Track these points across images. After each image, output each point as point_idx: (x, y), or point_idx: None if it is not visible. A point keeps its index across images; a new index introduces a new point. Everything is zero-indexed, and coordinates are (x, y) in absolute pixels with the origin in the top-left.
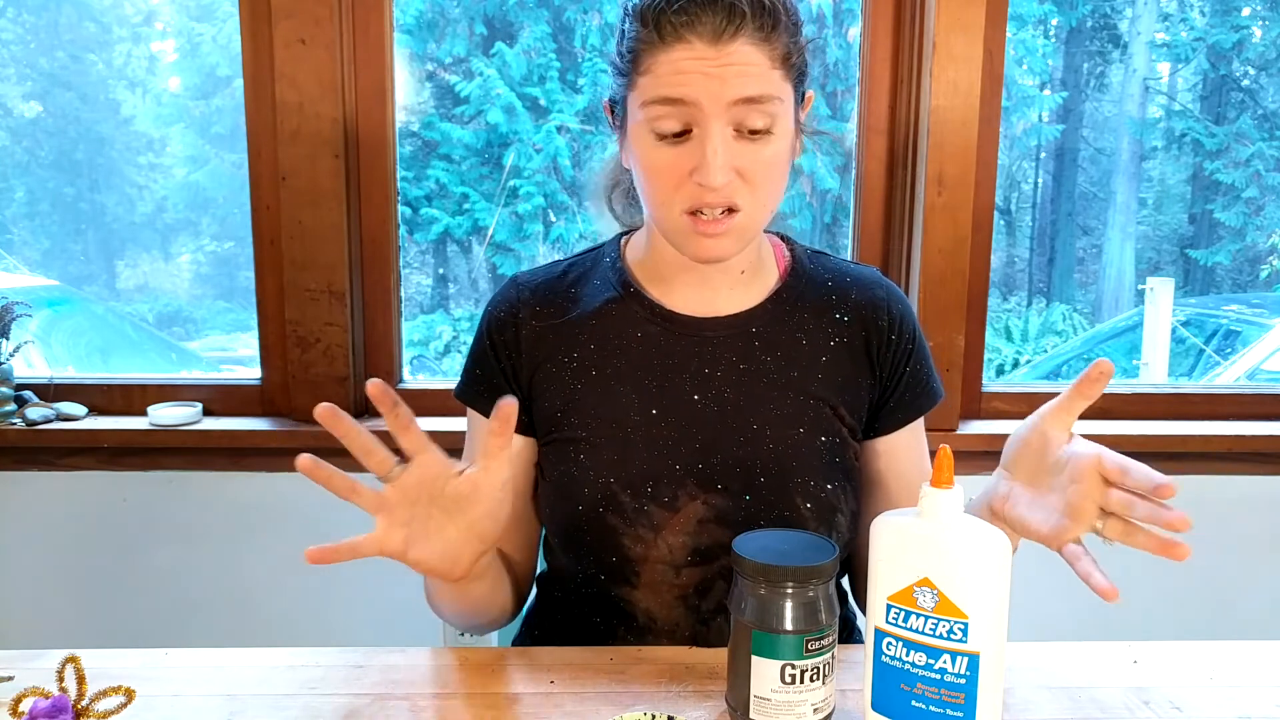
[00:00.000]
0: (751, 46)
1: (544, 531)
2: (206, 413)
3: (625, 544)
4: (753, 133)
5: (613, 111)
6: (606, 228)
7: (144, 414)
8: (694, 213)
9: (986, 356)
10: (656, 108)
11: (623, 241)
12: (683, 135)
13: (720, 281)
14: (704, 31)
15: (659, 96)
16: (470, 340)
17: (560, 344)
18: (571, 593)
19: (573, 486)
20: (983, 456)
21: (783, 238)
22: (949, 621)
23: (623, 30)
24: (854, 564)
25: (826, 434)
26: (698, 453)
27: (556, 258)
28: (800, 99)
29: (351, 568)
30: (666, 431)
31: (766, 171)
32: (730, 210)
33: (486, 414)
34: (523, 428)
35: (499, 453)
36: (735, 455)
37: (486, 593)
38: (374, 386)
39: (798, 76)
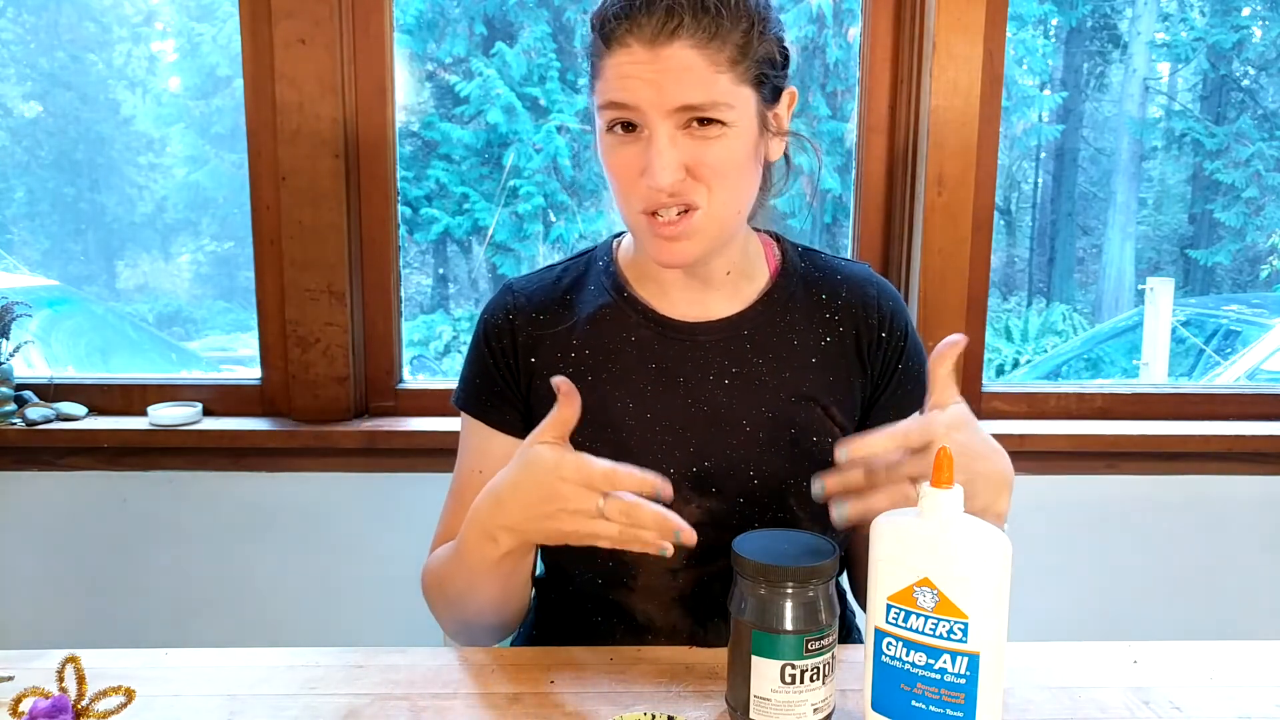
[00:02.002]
0: (692, 50)
1: None
2: (206, 413)
3: (621, 550)
4: (702, 123)
5: (591, 119)
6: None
7: (144, 414)
8: (652, 213)
9: (986, 356)
10: (607, 112)
11: (615, 244)
12: (636, 132)
13: (707, 283)
14: (642, 35)
15: (606, 101)
16: (467, 346)
17: (556, 350)
18: (571, 595)
19: None
20: None
21: (774, 236)
22: (949, 621)
23: (587, 37)
24: (851, 561)
25: (820, 435)
26: (692, 457)
27: (555, 259)
28: (772, 98)
29: (351, 568)
30: (661, 436)
31: (719, 168)
32: (687, 210)
33: (489, 422)
34: (523, 431)
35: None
36: (729, 459)
37: (524, 577)
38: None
39: (758, 76)
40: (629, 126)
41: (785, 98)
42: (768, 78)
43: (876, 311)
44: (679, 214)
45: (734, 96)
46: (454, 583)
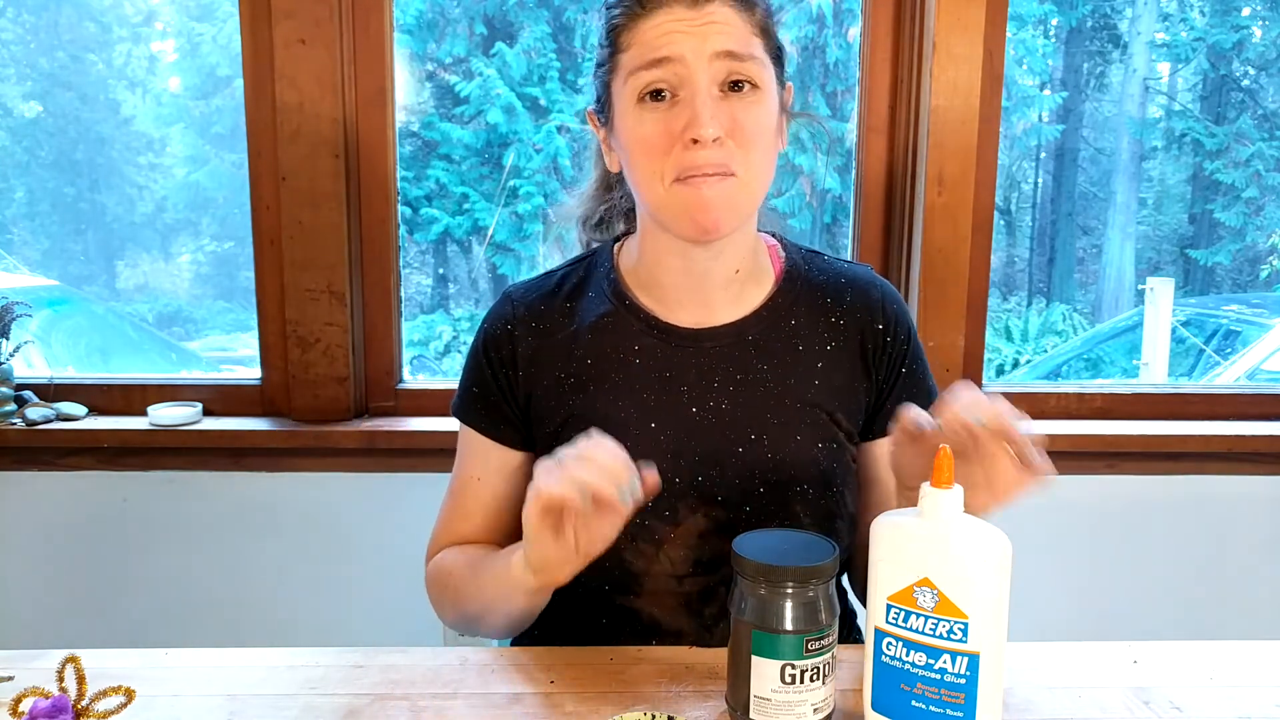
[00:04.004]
0: (730, 9)
1: None
2: (206, 413)
3: (627, 558)
4: (736, 87)
5: (597, 117)
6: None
7: (144, 414)
8: (685, 180)
9: (986, 356)
10: (643, 73)
11: (615, 249)
12: (670, 100)
13: (715, 282)
14: None
15: (644, 61)
16: (466, 352)
17: (558, 359)
18: (577, 599)
19: None
20: None
21: (777, 238)
22: (949, 621)
23: (602, 22)
24: (853, 564)
25: (824, 441)
26: (697, 466)
27: (556, 259)
28: (781, 81)
29: (351, 568)
30: (666, 445)
31: (756, 131)
32: (726, 175)
33: (485, 432)
34: (521, 443)
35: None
36: (734, 467)
37: (539, 606)
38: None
39: (776, 54)
40: (658, 96)
41: (788, 90)
42: (781, 60)
43: (882, 315)
44: (716, 176)
45: (764, 59)
46: (473, 600)
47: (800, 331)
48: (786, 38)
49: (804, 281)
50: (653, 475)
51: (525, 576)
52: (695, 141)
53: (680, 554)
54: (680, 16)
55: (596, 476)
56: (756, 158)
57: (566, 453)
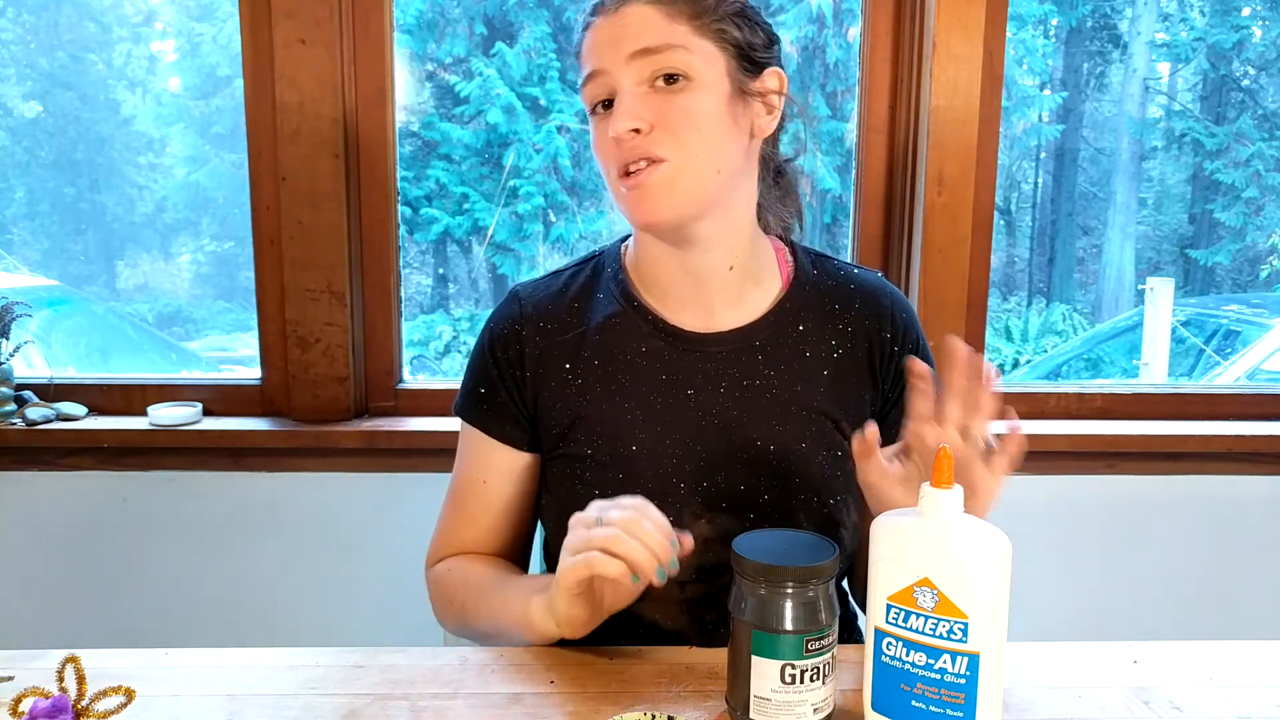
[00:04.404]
0: (647, 5)
1: (545, 539)
2: (206, 413)
3: None
4: (669, 80)
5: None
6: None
7: (144, 414)
8: (626, 174)
9: (986, 356)
10: (584, 91)
11: (622, 249)
12: (610, 106)
13: (710, 280)
14: (604, 10)
15: (582, 78)
16: (470, 351)
17: (564, 360)
18: None
19: (577, 505)
20: None
21: (786, 241)
22: (949, 621)
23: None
24: (855, 573)
25: (829, 449)
26: (701, 472)
27: (557, 259)
28: (750, 67)
29: (351, 568)
30: (671, 450)
31: (685, 119)
32: (654, 161)
33: (490, 433)
34: (528, 444)
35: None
36: (739, 474)
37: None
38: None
39: (720, 32)
40: (608, 105)
41: (771, 76)
42: (734, 39)
43: (890, 324)
44: (646, 164)
45: (693, 44)
46: (482, 621)
47: (808, 338)
48: (787, 37)
49: (812, 287)
50: (688, 539)
51: (545, 625)
52: (620, 140)
53: (684, 560)
54: (602, 29)
55: (642, 554)
56: (691, 141)
57: (610, 515)
